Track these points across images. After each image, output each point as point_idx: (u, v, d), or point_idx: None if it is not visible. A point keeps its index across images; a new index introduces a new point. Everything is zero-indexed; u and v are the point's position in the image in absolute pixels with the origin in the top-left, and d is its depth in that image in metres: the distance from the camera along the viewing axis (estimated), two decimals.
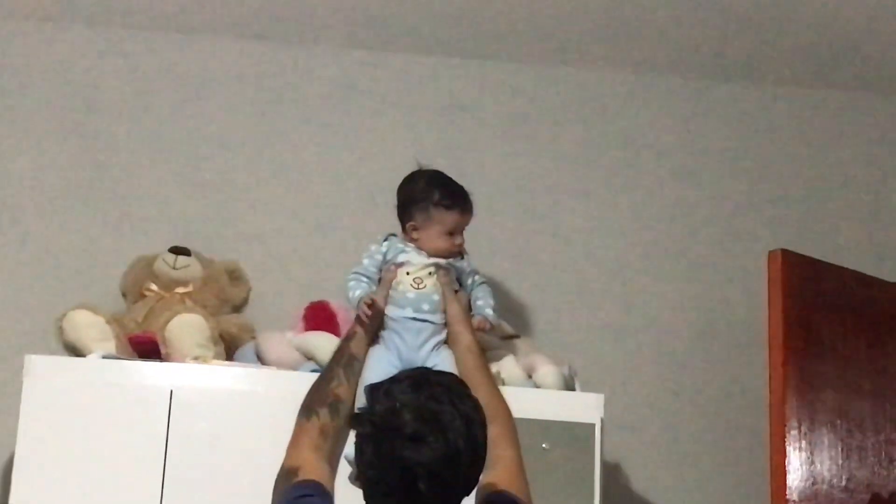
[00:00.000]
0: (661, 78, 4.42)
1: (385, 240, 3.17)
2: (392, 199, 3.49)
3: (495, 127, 4.31)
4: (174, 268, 3.71)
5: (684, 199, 4.29)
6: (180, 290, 3.70)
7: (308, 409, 2.94)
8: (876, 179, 4.38)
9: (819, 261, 3.58)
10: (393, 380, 2.58)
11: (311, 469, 2.77)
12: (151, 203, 4.04)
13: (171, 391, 3.28)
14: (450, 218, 3.13)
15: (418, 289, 3.07)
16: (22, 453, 3.20)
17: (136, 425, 3.28)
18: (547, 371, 3.47)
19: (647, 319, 4.16)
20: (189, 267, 3.73)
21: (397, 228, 3.49)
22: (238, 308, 3.84)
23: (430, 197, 3.12)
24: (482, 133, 4.29)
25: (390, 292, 3.07)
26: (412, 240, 3.13)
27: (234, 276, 3.83)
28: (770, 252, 3.48)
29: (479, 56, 4.38)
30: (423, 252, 3.12)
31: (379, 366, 3.00)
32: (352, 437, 2.63)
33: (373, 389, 2.62)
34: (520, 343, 3.69)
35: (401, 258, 3.11)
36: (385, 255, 3.13)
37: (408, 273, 3.09)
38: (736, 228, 4.25)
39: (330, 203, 4.10)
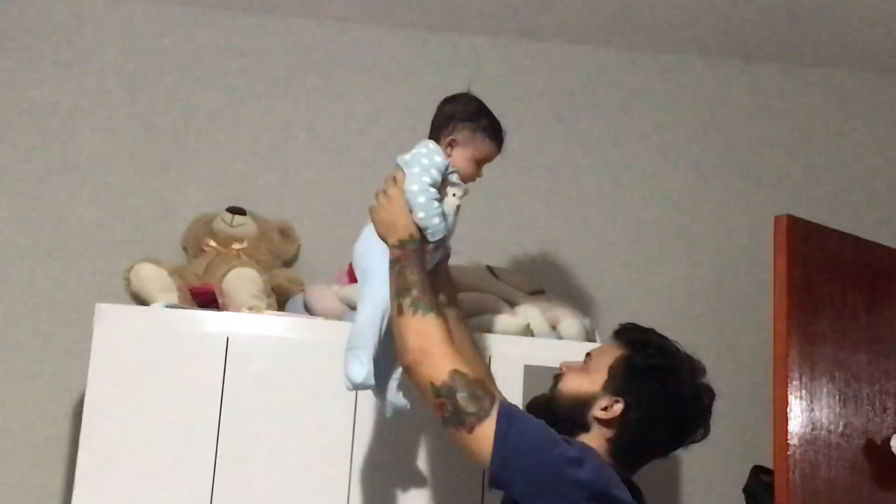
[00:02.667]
0: (679, 58, 4.41)
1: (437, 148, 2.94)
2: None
3: (532, 102, 4.29)
4: (231, 226, 3.76)
5: (702, 170, 4.32)
6: (236, 246, 3.75)
7: (432, 304, 2.72)
8: (876, 153, 4.38)
9: (821, 225, 3.54)
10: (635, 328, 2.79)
11: (492, 385, 2.73)
12: (211, 166, 4.09)
13: (228, 338, 3.34)
14: (488, 148, 2.97)
15: (454, 216, 2.93)
16: (92, 392, 3.28)
17: (196, 369, 3.35)
18: (570, 323, 3.51)
19: (664, 279, 4.18)
20: (245, 225, 3.78)
21: None
22: (289, 263, 3.91)
23: (478, 120, 2.96)
24: (521, 107, 4.23)
25: None
26: (447, 155, 2.93)
27: (285, 234, 3.91)
28: (776, 217, 3.42)
29: (504, 34, 4.37)
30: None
31: None
32: None
33: (628, 330, 2.81)
34: (546, 297, 3.71)
35: (452, 178, 2.94)
36: (446, 168, 2.92)
37: (454, 195, 2.95)
38: (746, 196, 4.26)
39: (371, 171, 3.90)
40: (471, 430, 2.50)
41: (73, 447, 3.47)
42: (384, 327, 2.81)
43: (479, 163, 2.98)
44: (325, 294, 3.58)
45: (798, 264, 3.40)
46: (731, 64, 4.37)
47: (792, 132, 4.37)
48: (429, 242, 2.77)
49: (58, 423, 3.81)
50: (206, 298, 3.53)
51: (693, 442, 2.75)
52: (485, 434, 2.48)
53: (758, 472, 3.67)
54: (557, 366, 2.88)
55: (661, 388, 2.67)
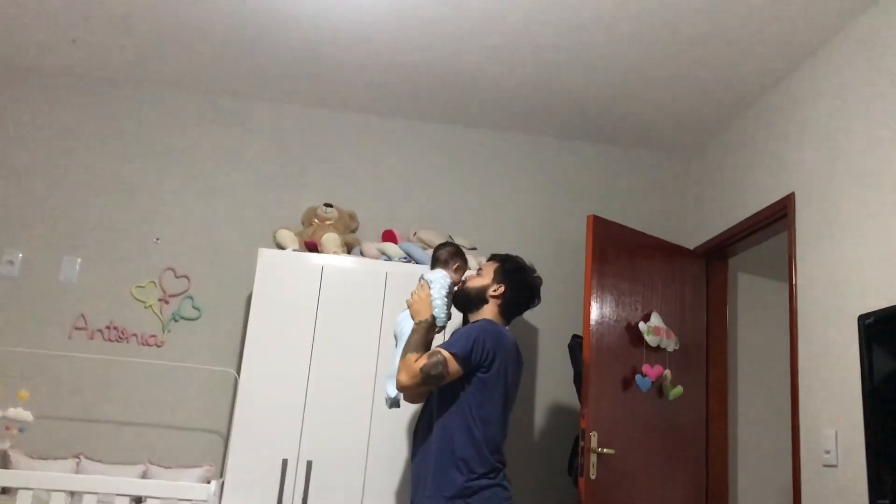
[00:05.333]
0: (525, 135, 4.22)
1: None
2: (419, 211, 3.81)
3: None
4: (325, 212, 3.81)
5: (558, 194, 4.19)
6: (328, 222, 3.78)
7: (417, 351, 2.60)
8: (624, 187, 4.22)
9: (610, 220, 3.64)
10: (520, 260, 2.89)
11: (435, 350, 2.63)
12: (316, 184, 4.02)
13: (322, 267, 3.46)
14: (466, 268, 2.98)
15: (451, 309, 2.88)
16: (256, 294, 3.40)
17: (306, 282, 3.43)
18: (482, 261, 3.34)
19: (535, 251, 3.71)
20: (332, 211, 3.81)
21: (419, 220, 3.79)
22: (353, 231, 3.89)
23: (463, 256, 2.98)
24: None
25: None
26: (454, 272, 2.92)
27: (352, 217, 3.90)
28: (588, 215, 3.52)
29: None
30: None
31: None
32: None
33: (496, 254, 2.92)
34: (476, 252, 3.73)
35: (452, 290, 2.87)
36: (451, 285, 2.86)
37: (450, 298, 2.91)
38: (575, 205, 4.13)
39: (398, 193, 4.06)
40: (448, 374, 2.54)
41: (245, 324, 3.59)
42: None
43: (462, 274, 3.02)
44: (370, 247, 3.71)
45: (597, 237, 3.52)
46: (553, 139, 4.26)
47: (594, 177, 4.25)
48: (435, 327, 2.77)
49: (237, 310, 3.82)
50: (313, 247, 3.67)
51: (533, 306, 2.89)
52: (452, 365, 2.55)
53: (575, 337, 3.73)
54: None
55: (519, 278, 2.84)
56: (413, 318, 2.76)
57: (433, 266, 2.98)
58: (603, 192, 4.28)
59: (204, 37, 3.55)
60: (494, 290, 2.82)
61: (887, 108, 2.78)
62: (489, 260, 2.96)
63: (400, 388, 2.59)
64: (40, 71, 4.00)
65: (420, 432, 2.72)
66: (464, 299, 2.88)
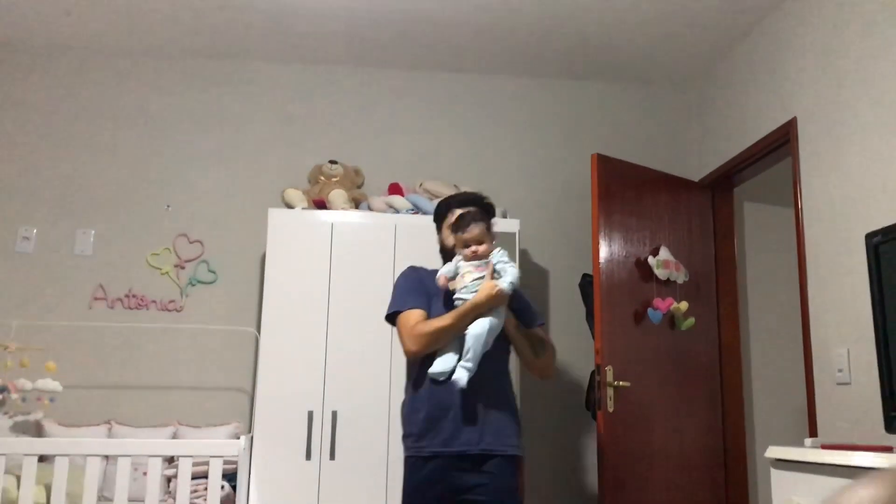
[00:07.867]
0: (553, 80, 4.20)
1: None
2: (423, 162, 3.78)
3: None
4: (331, 169, 3.84)
5: (565, 137, 4.20)
6: (334, 179, 3.82)
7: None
8: (630, 123, 4.24)
9: (614, 158, 3.64)
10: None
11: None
12: (325, 145, 3.99)
13: (332, 224, 3.51)
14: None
15: None
16: (270, 253, 3.44)
17: (316, 240, 3.47)
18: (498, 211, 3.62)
19: (549, 185, 4.09)
20: (337, 167, 3.85)
21: (424, 171, 3.78)
22: (360, 187, 3.92)
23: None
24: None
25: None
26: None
27: (358, 173, 3.94)
28: (592, 154, 3.55)
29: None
30: None
31: None
32: None
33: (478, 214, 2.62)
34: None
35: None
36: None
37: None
38: (580, 145, 4.12)
39: (401, 145, 4.07)
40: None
41: (261, 284, 3.64)
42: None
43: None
44: (377, 201, 3.75)
45: (602, 176, 3.53)
46: (569, 80, 4.25)
47: (596, 115, 4.25)
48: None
49: (252, 270, 3.86)
50: (321, 205, 3.72)
51: None
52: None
53: (585, 276, 3.83)
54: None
55: None
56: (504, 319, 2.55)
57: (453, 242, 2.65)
58: (606, 129, 4.27)
59: (195, 1, 3.54)
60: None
61: (889, 26, 2.75)
62: (479, 217, 2.62)
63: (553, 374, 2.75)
64: (40, 46, 4.00)
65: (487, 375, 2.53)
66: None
